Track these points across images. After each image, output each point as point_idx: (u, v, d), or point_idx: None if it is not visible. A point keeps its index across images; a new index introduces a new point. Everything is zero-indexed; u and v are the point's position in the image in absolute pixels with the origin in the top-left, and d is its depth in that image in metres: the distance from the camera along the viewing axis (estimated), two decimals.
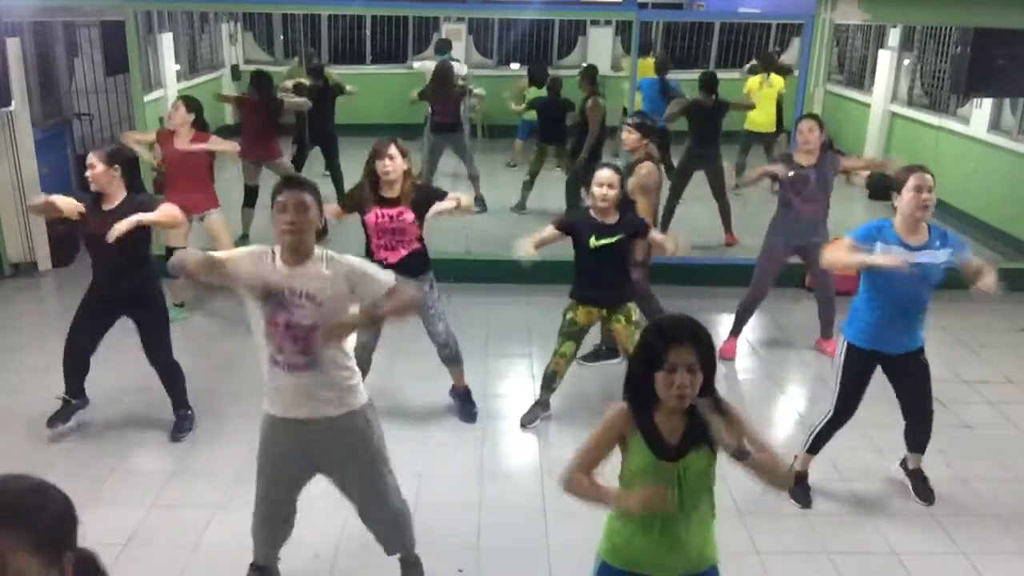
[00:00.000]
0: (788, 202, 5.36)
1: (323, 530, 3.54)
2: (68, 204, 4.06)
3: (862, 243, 3.61)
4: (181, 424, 4.43)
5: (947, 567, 3.58)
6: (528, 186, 8.38)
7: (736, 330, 5.63)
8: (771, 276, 5.53)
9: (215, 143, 5.83)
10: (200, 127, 5.76)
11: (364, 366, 4.52)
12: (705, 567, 2.36)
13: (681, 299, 6.21)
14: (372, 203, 4.33)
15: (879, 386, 3.88)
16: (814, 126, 5.26)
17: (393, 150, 4.27)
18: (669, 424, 2.23)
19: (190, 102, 5.74)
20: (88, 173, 4.07)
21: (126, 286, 4.19)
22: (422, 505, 3.80)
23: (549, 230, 4.41)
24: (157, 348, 4.35)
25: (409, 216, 4.34)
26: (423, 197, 4.39)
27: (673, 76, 9.06)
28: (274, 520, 3.07)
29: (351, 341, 3.09)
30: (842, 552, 3.65)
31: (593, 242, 4.32)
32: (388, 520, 3.11)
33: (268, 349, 2.84)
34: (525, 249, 4.32)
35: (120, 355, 4.47)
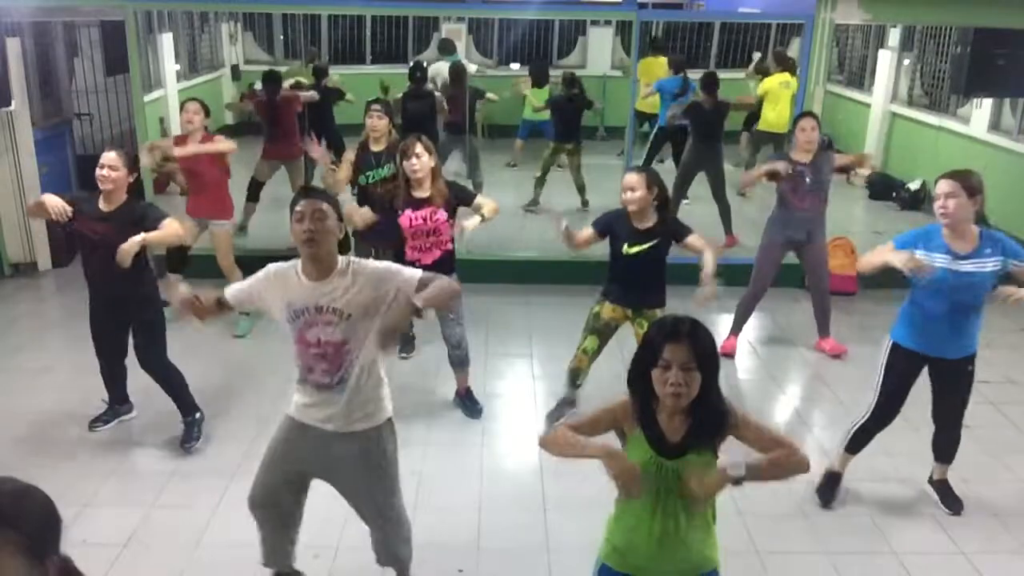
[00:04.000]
0: (785, 199, 5.37)
1: (323, 530, 3.54)
2: (55, 205, 3.97)
3: (901, 249, 3.53)
4: (189, 432, 4.31)
5: (947, 567, 3.58)
6: (540, 183, 8.44)
7: (736, 328, 5.64)
8: (770, 274, 5.54)
9: (215, 144, 5.61)
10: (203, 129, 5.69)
11: None
12: (706, 570, 2.35)
13: (681, 299, 6.23)
14: (403, 206, 4.36)
15: None
16: (816, 124, 5.30)
17: (419, 148, 4.31)
18: (671, 424, 2.22)
19: (205, 106, 5.64)
20: (105, 172, 3.95)
21: (120, 285, 4.10)
22: (422, 505, 3.80)
23: (588, 232, 4.25)
24: (148, 353, 4.24)
25: (442, 215, 4.38)
26: (455, 196, 4.43)
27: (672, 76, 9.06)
28: (269, 509, 3.01)
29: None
30: (842, 552, 3.65)
31: (625, 249, 4.19)
32: (388, 533, 3.08)
33: (298, 367, 2.86)
34: (569, 240, 4.14)
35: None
